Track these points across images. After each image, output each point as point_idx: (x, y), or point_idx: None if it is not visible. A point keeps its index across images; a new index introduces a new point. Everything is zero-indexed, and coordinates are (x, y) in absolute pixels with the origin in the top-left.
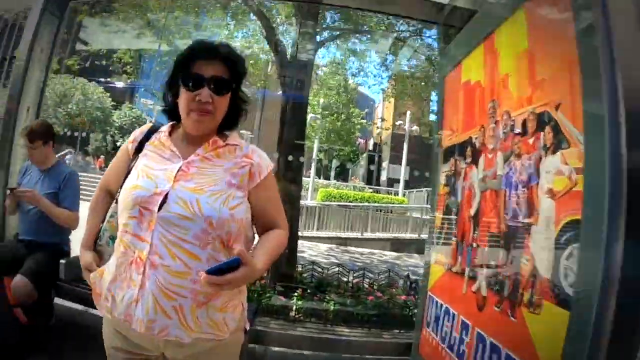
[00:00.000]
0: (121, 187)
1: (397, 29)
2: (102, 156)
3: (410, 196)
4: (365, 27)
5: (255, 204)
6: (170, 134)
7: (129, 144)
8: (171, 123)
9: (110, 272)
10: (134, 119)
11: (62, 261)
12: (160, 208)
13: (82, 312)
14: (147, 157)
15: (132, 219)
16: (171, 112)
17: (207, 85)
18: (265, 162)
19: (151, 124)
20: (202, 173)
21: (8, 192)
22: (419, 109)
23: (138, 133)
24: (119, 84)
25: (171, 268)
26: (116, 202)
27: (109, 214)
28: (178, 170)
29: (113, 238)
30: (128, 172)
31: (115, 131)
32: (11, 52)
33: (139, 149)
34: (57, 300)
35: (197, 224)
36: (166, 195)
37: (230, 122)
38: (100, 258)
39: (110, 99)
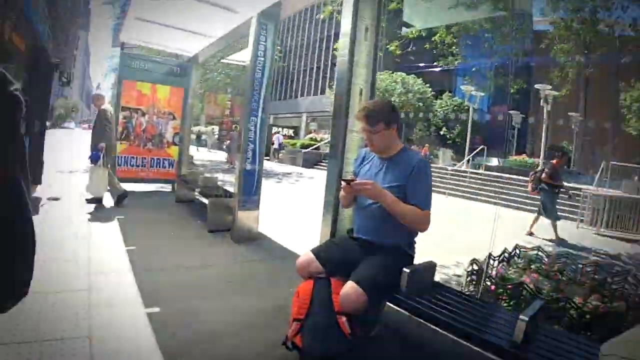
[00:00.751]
0: None
1: None
2: (426, 145)
3: None
4: None
5: None
6: None
7: None
8: None
9: None
10: (455, 107)
11: (406, 270)
12: None
13: (407, 320)
14: None
15: None
16: None
17: None
18: None
19: None
20: None
21: (343, 183)
22: None
23: None
24: (436, 71)
25: None
26: None
27: None
28: None
29: None
30: None
31: (439, 120)
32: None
33: None
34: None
35: None
36: None
37: None
38: None
39: (430, 89)
